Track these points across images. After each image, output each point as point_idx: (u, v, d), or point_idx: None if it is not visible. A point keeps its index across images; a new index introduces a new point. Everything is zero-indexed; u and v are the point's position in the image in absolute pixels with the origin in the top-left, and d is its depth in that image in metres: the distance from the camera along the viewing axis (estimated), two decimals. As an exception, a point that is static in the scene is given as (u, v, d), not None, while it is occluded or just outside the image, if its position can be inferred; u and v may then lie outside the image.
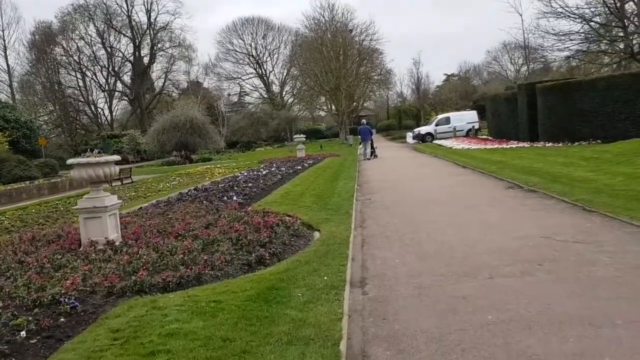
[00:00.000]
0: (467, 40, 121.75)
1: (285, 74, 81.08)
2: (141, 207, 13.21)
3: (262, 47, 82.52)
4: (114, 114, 77.73)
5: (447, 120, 42.04)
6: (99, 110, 75.14)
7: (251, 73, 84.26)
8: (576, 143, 23.49)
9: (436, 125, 42.26)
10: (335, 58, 54.46)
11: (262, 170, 22.65)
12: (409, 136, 44.38)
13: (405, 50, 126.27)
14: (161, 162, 50.21)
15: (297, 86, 70.40)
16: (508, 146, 26.22)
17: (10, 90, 65.10)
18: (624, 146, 17.14)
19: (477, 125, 40.94)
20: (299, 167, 23.41)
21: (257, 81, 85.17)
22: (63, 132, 67.90)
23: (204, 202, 13.05)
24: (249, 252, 7.39)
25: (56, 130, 68.30)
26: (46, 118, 69.28)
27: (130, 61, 73.64)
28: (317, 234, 8.76)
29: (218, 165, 34.62)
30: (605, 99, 22.54)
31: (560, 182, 11.59)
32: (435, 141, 38.57)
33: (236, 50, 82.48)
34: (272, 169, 22.62)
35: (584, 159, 15.89)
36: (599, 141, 22.36)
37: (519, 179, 13.07)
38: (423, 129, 43.32)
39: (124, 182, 27.13)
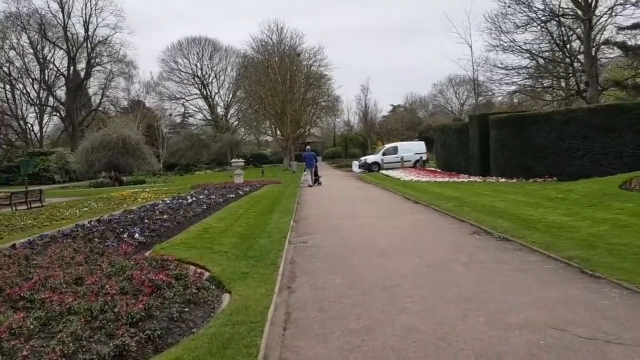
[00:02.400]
0: (413, 73, 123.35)
1: (230, 96, 78.54)
2: (14, 244, 10.26)
3: (208, 67, 79.99)
4: (44, 130, 72.51)
5: (394, 150, 40.55)
6: (28, 125, 69.81)
7: (195, 94, 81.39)
8: (530, 180, 22.07)
9: (383, 154, 40.66)
10: (282, 81, 52.52)
11: (189, 197, 19.88)
12: (355, 165, 42.58)
13: (352, 80, 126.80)
14: (89, 184, 46.16)
15: (242, 109, 67.85)
16: (460, 180, 24.57)
17: None
18: (589, 186, 15.58)
19: (425, 157, 39.66)
20: (232, 196, 20.78)
21: (201, 102, 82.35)
22: (-16, 147, 62.28)
23: (96, 240, 10.28)
24: (111, 335, 4.80)
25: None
26: (-34, 131, 63.60)
27: (64, 75, 69.06)
28: (226, 299, 6.25)
29: (147, 190, 31.49)
30: (561, 134, 21.27)
31: (536, 228, 9.57)
32: (382, 171, 36.88)
33: (181, 70, 79.58)
34: (201, 197, 19.89)
35: (548, 199, 14.13)
36: (555, 179, 21.01)
37: (484, 221, 11.02)
38: (370, 158, 41.61)
39: (32, 205, 23.65)
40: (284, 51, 54.59)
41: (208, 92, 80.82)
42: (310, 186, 26.99)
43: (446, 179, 25.36)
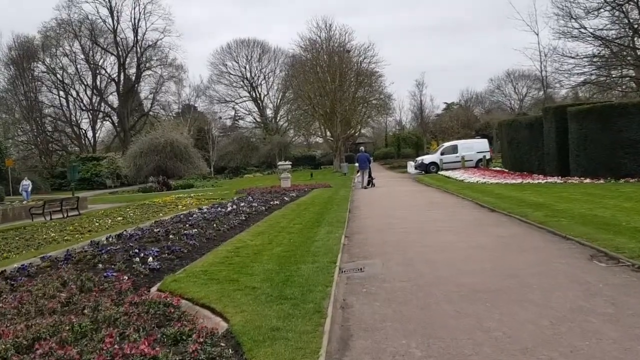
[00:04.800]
0: (468, 69, 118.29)
1: (280, 97, 76.91)
2: (4, 271, 8.37)
3: (256, 69, 78.71)
4: (97, 135, 73.23)
5: (454, 149, 37.37)
6: (82, 131, 70.54)
7: (245, 96, 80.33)
8: (621, 180, 18.84)
9: (442, 154, 37.55)
10: (331, 80, 50.26)
11: (229, 205, 17.86)
12: (411, 166, 39.71)
13: (404, 78, 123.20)
14: (138, 189, 45.47)
15: (291, 110, 66.08)
16: (535, 181, 21.48)
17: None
18: None
19: (488, 155, 36.33)
20: (276, 202, 18.59)
21: (251, 105, 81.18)
22: (39, 153, 63.04)
23: (99, 265, 8.26)
24: None
25: (29, 151, 63.52)
26: (24, 138, 64.73)
27: (114, 80, 69.44)
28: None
29: (192, 195, 29.92)
30: (660, 126, 17.96)
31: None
32: (441, 172, 33.89)
33: (230, 73, 78.64)
34: (242, 204, 17.81)
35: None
36: (653, 178, 17.76)
37: (596, 239, 8.28)
38: (427, 158, 38.61)
39: (69, 214, 22.29)
40: (333, 49, 52.27)
41: (257, 94, 79.60)
42: (365, 188, 25.66)
43: (518, 181, 22.30)
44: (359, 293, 6.38)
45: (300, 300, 5.88)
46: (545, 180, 21.43)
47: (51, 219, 20.89)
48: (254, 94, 79.56)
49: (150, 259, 8.50)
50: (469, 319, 5.05)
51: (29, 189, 30.91)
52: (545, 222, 10.57)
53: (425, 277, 6.84)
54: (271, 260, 8.25)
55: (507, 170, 29.23)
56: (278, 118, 77.90)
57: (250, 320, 5.25)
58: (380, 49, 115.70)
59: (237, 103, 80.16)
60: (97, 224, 17.25)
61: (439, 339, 4.61)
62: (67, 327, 4.87)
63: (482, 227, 11.01)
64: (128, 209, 22.41)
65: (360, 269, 7.68)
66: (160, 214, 18.49)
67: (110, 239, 11.36)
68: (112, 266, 8.15)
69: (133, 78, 69.94)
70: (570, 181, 20.41)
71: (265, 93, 79.37)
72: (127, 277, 7.23)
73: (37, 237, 14.62)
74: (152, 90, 72.47)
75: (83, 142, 70.03)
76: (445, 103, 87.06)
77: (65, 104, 67.38)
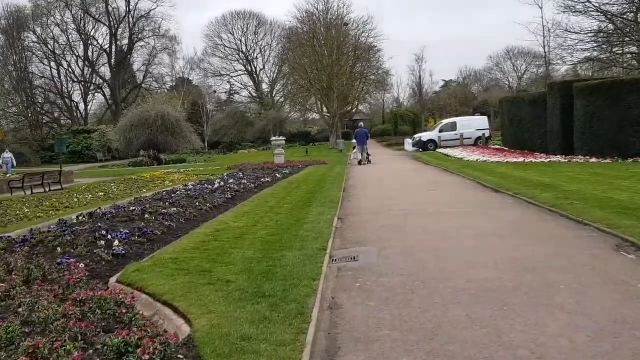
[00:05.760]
0: (467, 46, 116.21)
1: (276, 72, 75.19)
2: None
3: (252, 42, 76.76)
4: (89, 107, 71.66)
5: (452, 127, 36.29)
6: (74, 103, 68.95)
7: (240, 70, 78.50)
8: (630, 160, 17.94)
9: (440, 131, 36.50)
10: (329, 54, 48.84)
11: (217, 181, 16.86)
12: (408, 143, 38.69)
13: (403, 54, 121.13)
14: (128, 163, 44.38)
15: (287, 85, 64.55)
16: (538, 160, 20.56)
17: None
18: None
19: (487, 133, 35.31)
20: (267, 180, 17.58)
21: (246, 79, 79.45)
22: (29, 125, 61.50)
23: (58, 249, 7.30)
24: None
25: (20, 123, 62.02)
26: (14, 110, 63.15)
27: (106, 51, 67.64)
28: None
29: (182, 170, 28.92)
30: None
31: None
32: (439, 150, 32.91)
33: (225, 46, 76.66)
34: (230, 181, 16.80)
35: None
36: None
37: (618, 226, 7.36)
38: (425, 136, 37.54)
39: (52, 188, 21.22)
40: (331, 21, 50.65)
41: (253, 68, 77.82)
42: (361, 164, 25.18)
43: (520, 159, 21.35)
44: (351, 289, 5.43)
45: (280, 298, 4.93)
46: (548, 159, 20.50)
47: (32, 193, 19.84)
48: (249, 67, 77.80)
49: (117, 242, 7.53)
50: (485, 329, 4.10)
51: (11, 161, 29.70)
52: (557, 205, 9.62)
53: (428, 271, 5.89)
54: (253, 245, 7.29)
55: (507, 149, 28.26)
56: (274, 93, 76.32)
57: (218, 325, 4.30)
58: (379, 23, 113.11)
59: (232, 77, 78.48)
60: (76, 199, 16.25)
61: (450, 355, 3.67)
62: (-14, 334, 3.91)
63: (488, 210, 10.05)
64: (112, 184, 21.40)
65: (354, 258, 6.73)
66: (144, 190, 17.48)
67: (82, 218, 10.37)
68: (72, 250, 7.18)
69: (125, 49, 68.18)
70: (574, 160, 19.49)
71: (261, 67, 77.68)
72: (84, 265, 6.27)
73: (10, 213, 13.60)
74: (144, 62, 70.92)
75: (75, 114, 68.52)
76: (444, 80, 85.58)
77: (56, 75, 65.76)
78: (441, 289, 5.16)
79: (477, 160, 22.91)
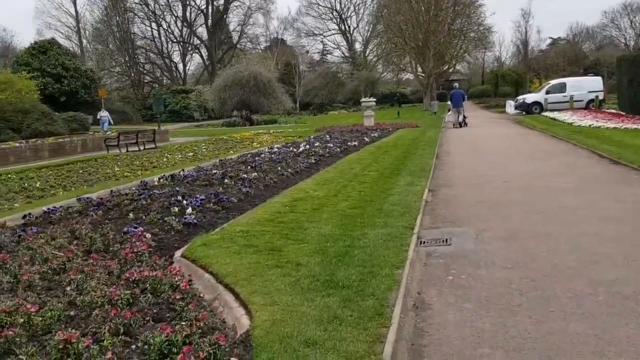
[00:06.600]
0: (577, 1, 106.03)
1: (369, 30, 73.04)
2: (27, 215, 7.33)
3: (346, 0, 74.90)
4: (187, 68, 74.03)
5: (561, 88, 33.15)
6: (173, 63, 71.50)
7: (334, 29, 77.26)
8: None
9: (547, 93, 33.48)
10: (425, 10, 46.30)
11: (302, 144, 16.30)
12: (510, 105, 35.99)
13: (506, 9, 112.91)
14: (222, 123, 45.25)
15: (381, 44, 62.44)
16: (664, 127, 17.98)
17: (77, 38, 62.44)
18: None
19: (601, 96, 31.88)
20: (354, 143, 16.72)
21: (339, 38, 78.11)
22: (131, 85, 64.58)
23: (131, 215, 7.00)
24: None
25: (123, 82, 65.29)
26: (118, 69, 66.56)
27: (203, 12, 68.94)
28: None
29: (271, 131, 28.84)
30: None
31: None
32: (545, 113, 30.17)
33: (319, 4, 75.55)
34: (316, 145, 16.17)
35: None
36: None
37: None
38: (529, 97, 34.68)
39: (146, 146, 21.82)
40: (429, -25, 47.75)
41: (346, 26, 76.28)
42: (455, 127, 24.16)
43: (642, 126, 18.79)
44: (442, 283, 4.54)
45: (356, 290, 4.16)
46: (677, 127, 17.85)
47: (127, 151, 20.48)
48: (343, 26, 76.35)
49: (189, 209, 7.09)
50: (622, 357, 3.09)
51: (107, 120, 31.00)
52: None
53: (538, 263, 4.85)
54: (331, 219, 6.55)
55: (624, 114, 25.22)
56: (367, 52, 74.46)
57: (280, 322, 3.62)
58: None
59: (325, 36, 77.46)
60: (165, 159, 16.42)
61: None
62: (22, 318, 3.49)
63: (609, 185, 8.59)
64: (203, 144, 21.60)
65: (446, 241, 5.80)
66: (231, 152, 17.32)
67: (163, 180, 10.18)
68: (144, 217, 6.83)
69: (221, 9, 69.08)
70: None
71: (355, 26, 75.91)
72: (150, 235, 5.84)
73: (100, 171, 13.92)
74: (240, 22, 71.67)
75: (174, 74, 71.05)
76: (551, 38, 78.97)
77: (156, 35, 68.20)
78: (558, 292, 4.14)
79: (589, 126, 20.52)
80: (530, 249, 5.32)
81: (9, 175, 13.54)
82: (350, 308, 3.84)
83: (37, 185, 11.34)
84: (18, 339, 3.24)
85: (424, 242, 5.78)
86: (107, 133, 25.96)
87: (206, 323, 3.58)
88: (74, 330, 3.28)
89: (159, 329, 3.34)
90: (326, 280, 4.39)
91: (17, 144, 20.22)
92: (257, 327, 3.60)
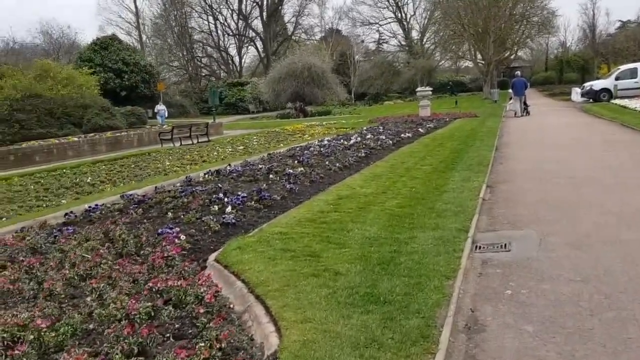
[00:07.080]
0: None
1: (427, 18, 71.08)
2: (68, 213, 7.26)
3: (403, -13, 73.15)
4: (243, 60, 74.74)
5: (632, 73, 30.95)
6: (229, 56, 72.41)
7: (390, 17, 75.57)
8: None
9: (616, 79, 31.37)
10: (486, -5, 44.42)
11: (353, 136, 15.80)
12: (576, 93, 33.95)
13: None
14: (276, 115, 45.31)
15: (439, 31, 60.62)
16: None
17: (137, 33, 64.20)
18: None
19: (679, 82, 29.57)
20: (408, 135, 16.06)
21: (395, 27, 76.40)
22: (189, 78, 65.86)
23: (169, 213, 6.79)
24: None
25: (182, 76, 66.67)
26: (177, 63, 68.04)
27: (258, 3, 69.22)
28: None
29: (324, 123, 28.46)
30: None
31: None
32: (615, 101, 28.25)
33: (375, -9, 74.06)
34: (368, 136, 15.64)
35: None
36: None
37: None
38: (597, 84, 32.63)
39: (199, 140, 21.96)
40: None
41: (403, 14, 74.42)
42: (517, 116, 23.14)
43: None
44: (499, 298, 3.99)
45: (399, 307, 3.68)
46: None
47: (181, 144, 20.65)
48: (399, 14, 74.55)
49: (229, 208, 6.79)
50: None
51: (164, 113, 31.48)
52: None
53: (613, 277, 4.20)
54: (378, 220, 6.07)
55: None
56: (424, 40, 72.57)
57: (311, 344, 3.21)
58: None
59: (381, 25, 75.93)
60: (216, 153, 16.36)
61: None
62: (32, 335, 3.23)
63: (694, 183, 7.66)
64: (254, 137, 21.50)
65: (505, 247, 5.20)
66: (281, 145, 17.07)
67: (208, 175, 9.98)
68: (182, 216, 6.59)
69: (276, 1, 69.14)
70: None
71: (412, 13, 73.95)
72: (184, 237, 5.56)
73: (151, 165, 13.98)
74: (294, 14, 71.56)
75: (230, 67, 71.92)
76: (620, 21, 74.09)
77: (213, 29, 69.15)
78: (637, 314, 3.51)
79: (665, 114, 18.96)
80: (603, 258, 4.65)
81: (64, 170, 13.81)
82: (391, 329, 3.37)
83: (88, 180, 11.44)
84: (25, 359, 2.99)
85: (480, 248, 5.21)
86: (164, 127, 26.34)
87: (230, 342, 3.23)
88: (83, 349, 2.99)
89: (173, 351, 3.00)
90: (366, 294, 3.94)
91: (76, 138, 20.77)
92: (285, 349, 3.20)
